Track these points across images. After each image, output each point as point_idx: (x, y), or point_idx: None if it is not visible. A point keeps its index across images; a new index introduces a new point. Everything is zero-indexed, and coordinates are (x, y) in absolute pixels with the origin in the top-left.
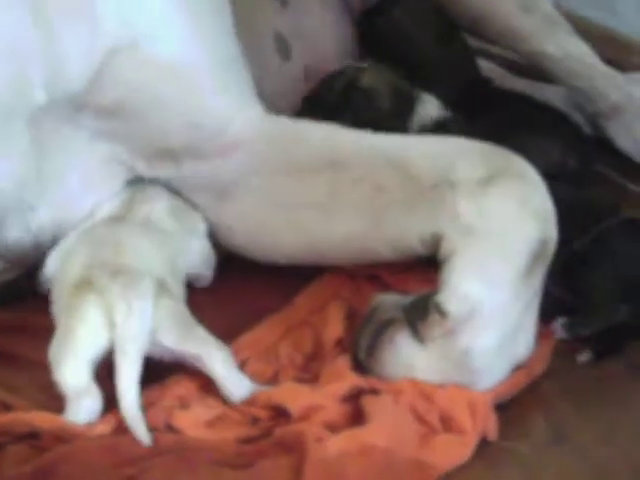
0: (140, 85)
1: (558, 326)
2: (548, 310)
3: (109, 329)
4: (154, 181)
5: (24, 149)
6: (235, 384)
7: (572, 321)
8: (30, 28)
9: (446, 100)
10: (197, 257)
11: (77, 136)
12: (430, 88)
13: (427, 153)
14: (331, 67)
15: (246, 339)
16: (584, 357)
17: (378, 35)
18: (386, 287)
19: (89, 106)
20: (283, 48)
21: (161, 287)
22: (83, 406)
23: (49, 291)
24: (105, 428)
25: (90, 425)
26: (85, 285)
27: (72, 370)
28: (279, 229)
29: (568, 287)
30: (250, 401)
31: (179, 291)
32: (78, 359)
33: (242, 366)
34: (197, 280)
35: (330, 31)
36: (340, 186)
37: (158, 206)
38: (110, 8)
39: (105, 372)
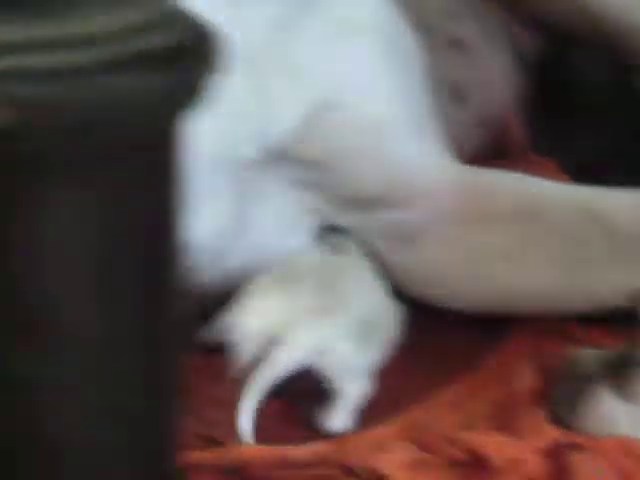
0: (343, 140)
1: None
2: None
3: None
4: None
5: (227, 204)
6: None
7: None
8: (246, 86)
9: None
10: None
11: (272, 184)
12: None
13: (628, 205)
14: (506, 114)
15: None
16: None
17: (560, 82)
18: (573, 341)
19: (288, 158)
20: (458, 95)
21: None
22: None
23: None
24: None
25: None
26: None
27: None
28: (464, 278)
29: None
30: (450, 441)
31: None
32: None
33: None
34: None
35: (505, 78)
36: (532, 237)
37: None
38: (320, 65)
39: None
